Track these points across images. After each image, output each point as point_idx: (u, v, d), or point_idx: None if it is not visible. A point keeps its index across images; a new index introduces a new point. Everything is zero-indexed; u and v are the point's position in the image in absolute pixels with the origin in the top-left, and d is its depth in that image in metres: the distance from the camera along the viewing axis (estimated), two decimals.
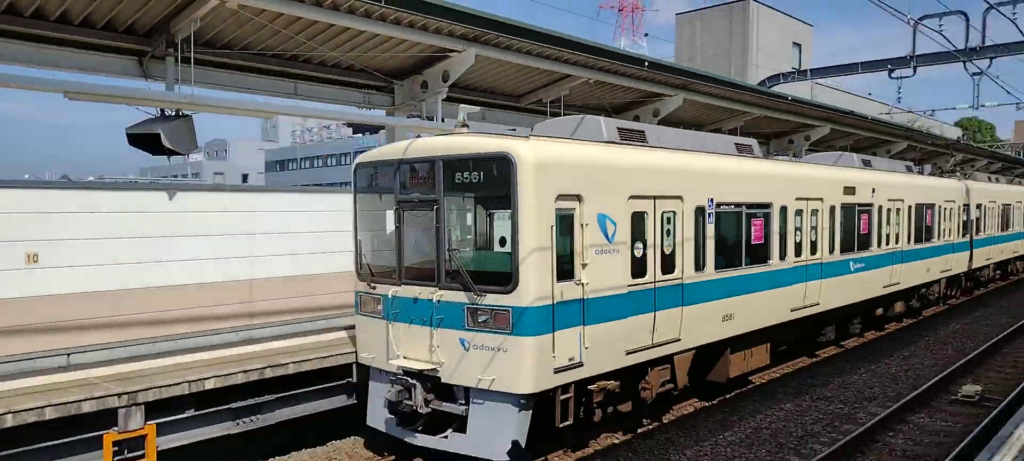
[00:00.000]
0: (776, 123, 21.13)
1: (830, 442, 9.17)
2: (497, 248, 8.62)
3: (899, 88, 20.97)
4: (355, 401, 9.51)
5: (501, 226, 8.39)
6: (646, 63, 13.70)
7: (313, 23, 10.51)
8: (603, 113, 18.00)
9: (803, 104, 19.97)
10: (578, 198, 7.87)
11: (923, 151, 31.92)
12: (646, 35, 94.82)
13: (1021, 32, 17.47)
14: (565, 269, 7.71)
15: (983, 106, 21.49)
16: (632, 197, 8.59)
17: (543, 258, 7.39)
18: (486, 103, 15.46)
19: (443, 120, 13.15)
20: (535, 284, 7.33)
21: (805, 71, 24.01)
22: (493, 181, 7.59)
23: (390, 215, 8.72)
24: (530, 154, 7.40)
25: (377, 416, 8.68)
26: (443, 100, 12.60)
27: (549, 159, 7.68)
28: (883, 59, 21.34)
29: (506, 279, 7.45)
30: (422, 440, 8.04)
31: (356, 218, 9.19)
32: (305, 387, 9.11)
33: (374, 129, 30.69)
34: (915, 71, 20.49)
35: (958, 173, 26.82)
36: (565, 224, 7.75)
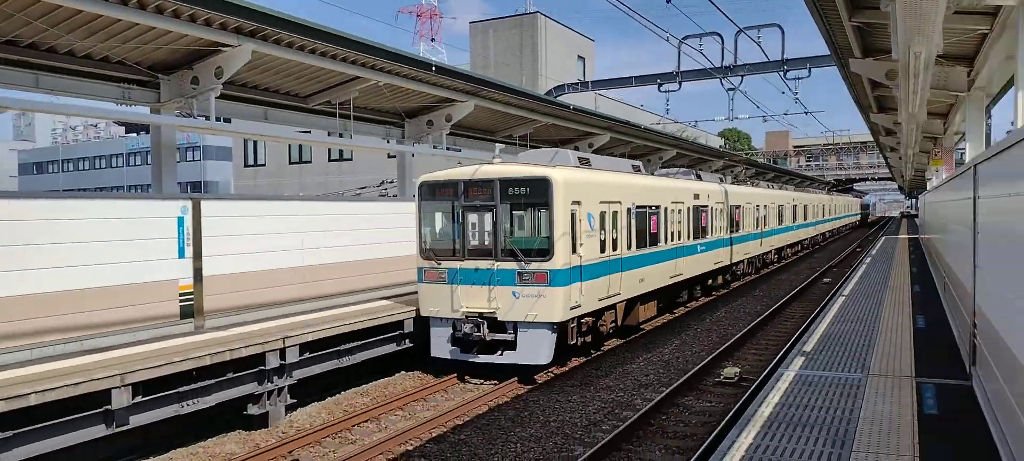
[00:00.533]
0: (562, 130, 22.32)
1: (611, 429, 9.67)
2: (537, 234, 12.09)
3: (668, 100, 23.23)
4: (406, 346, 12.69)
5: (539, 220, 11.96)
6: (433, 68, 13.68)
7: (56, 8, 9.14)
8: (396, 117, 17.82)
9: (586, 114, 21.27)
10: (578, 203, 11.92)
11: (690, 158, 35.69)
12: (433, 40, 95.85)
13: (764, 54, 20.03)
14: (574, 247, 11.74)
15: (737, 118, 24.30)
16: (601, 201, 12.92)
17: (566, 239, 11.47)
18: (269, 103, 14.55)
19: (220, 120, 12.74)
20: (563, 255, 11.38)
21: (588, 83, 25.71)
22: (536, 193, 11.57)
23: (440, 217, 12.66)
24: (560, 176, 11.52)
25: (441, 348, 12.19)
26: (217, 97, 11.92)
27: (567, 179, 11.71)
28: (654, 74, 23.50)
29: (545, 253, 11.40)
30: (483, 359, 11.76)
31: (420, 219, 12.52)
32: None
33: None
34: (680, 85, 22.76)
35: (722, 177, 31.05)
36: (573, 218, 11.74)
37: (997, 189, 5.75)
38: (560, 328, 11.68)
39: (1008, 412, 5.20)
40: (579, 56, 40.90)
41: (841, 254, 37.35)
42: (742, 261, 25.21)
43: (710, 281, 21.87)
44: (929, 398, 6.80)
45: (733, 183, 27.81)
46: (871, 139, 35.56)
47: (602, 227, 12.89)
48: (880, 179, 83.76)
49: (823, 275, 28.12)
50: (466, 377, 12.37)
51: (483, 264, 11.80)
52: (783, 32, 20.44)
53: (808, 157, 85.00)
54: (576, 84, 26.20)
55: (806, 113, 24.95)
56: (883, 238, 40.53)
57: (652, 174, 21.31)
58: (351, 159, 34.05)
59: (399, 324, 12.59)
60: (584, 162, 14.06)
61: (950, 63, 11.59)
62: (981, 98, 11.92)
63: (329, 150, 33.72)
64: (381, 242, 15.05)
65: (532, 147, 21.84)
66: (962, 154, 20.93)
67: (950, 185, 10.23)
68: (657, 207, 16.05)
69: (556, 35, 38.83)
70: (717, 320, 18.61)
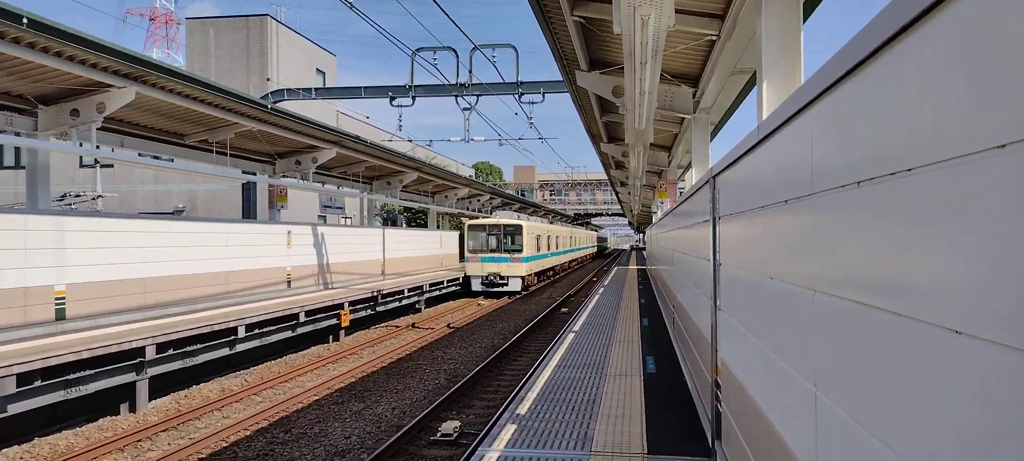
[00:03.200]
0: (278, 140, 19.12)
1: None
2: (515, 243, 30.67)
3: (400, 116, 21.22)
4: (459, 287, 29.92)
5: (518, 238, 30.78)
6: (25, 21, 9.79)
7: None
8: (24, 102, 13.77)
9: (309, 124, 18.33)
10: (529, 232, 31.66)
11: (435, 185, 34.10)
12: (168, 50, 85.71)
13: (499, 74, 18.78)
14: (531, 247, 31.59)
15: (473, 139, 22.97)
16: (535, 234, 33.16)
17: (531, 244, 31.69)
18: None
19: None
20: (528, 251, 31.10)
21: (310, 89, 22.70)
22: (516, 229, 30.96)
23: (478, 236, 31.90)
24: (525, 222, 32.31)
25: (477, 287, 30.37)
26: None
27: (527, 224, 32.24)
28: (385, 86, 21.26)
29: (519, 250, 30.63)
30: (495, 290, 30.26)
31: (467, 238, 31.67)
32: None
33: None
34: (414, 101, 20.80)
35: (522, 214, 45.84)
36: (529, 237, 31.15)
37: (746, 201, 4.16)
38: (523, 280, 30.16)
39: None
40: (319, 70, 37.46)
41: (578, 284, 38.34)
42: (556, 266, 43.54)
43: (553, 269, 42.06)
44: None
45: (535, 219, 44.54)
46: (606, 176, 37.52)
47: (536, 243, 32.10)
48: (613, 214, 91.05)
49: (562, 305, 27.99)
50: (484, 298, 30.04)
51: (494, 255, 29.67)
52: (517, 53, 19.55)
53: (552, 191, 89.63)
54: (296, 90, 23.04)
55: (541, 139, 24.61)
56: (616, 268, 42.65)
57: (479, 212, 40.96)
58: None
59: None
60: (532, 216, 41.28)
61: (676, 82, 10.87)
62: (705, 121, 11.45)
63: None
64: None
65: (232, 155, 18.66)
66: (682, 190, 21.60)
67: (679, 210, 9.18)
68: (541, 235, 35.84)
69: (291, 43, 35.12)
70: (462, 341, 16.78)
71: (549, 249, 37.38)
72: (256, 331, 15.75)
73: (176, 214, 34.14)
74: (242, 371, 15.63)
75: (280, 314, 16.53)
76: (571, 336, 12.72)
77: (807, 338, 2.77)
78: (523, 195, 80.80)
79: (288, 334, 17.07)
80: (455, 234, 38.24)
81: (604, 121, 15.65)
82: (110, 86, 12.68)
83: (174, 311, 15.40)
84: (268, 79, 32.69)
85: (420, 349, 18.24)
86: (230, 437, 10.74)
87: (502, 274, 29.52)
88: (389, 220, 53.21)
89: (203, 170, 17.54)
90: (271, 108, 15.57)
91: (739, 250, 4.39)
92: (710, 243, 5.45)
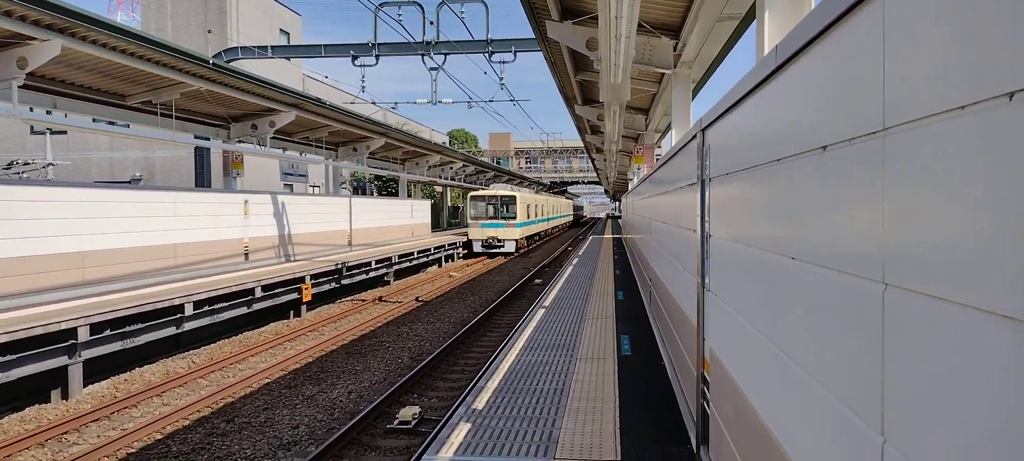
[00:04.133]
0: (235, 102, 17.84)
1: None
2: (510, 211, 35.39)
3: (363, 77, 19.94)
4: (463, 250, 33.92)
5: (512, 208, 35.32)
6: None
7: None
8: None
9: (265, 84, 17.07)
10: (522, 202, 36.82)
11: (404, 151, 32.86)
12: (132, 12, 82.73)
13: (468, 30, 17.65)
14: (523, 215, 37.05)
15: (441, 101, 21.77)
16: (525, 203, 37.76)
17: (523, 212, 36.96)
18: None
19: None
20: (520, 218, 35.98)
21: (266, 48, 21.31)
22: (511, 200, 35.37)
23: (479, 206, 35.52)
24: (518, 193, 37.16)
25: (478, 248, 34.63)
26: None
27: (520, 195, 37.44)
28: (347, 44, 19.96)
29: (514, 217, 35.25)
30: (493, 251, 34.61)
31: (472, 207, 35.03)
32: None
33: None
34: (378, 60, 19.56)
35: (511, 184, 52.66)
36: (521, 206, 36.29)
37: (748, 157, 3.26)
38: (516, 242, 34.86)
39: None
40: (282, 30, 35.75)
41: (554, 254, 37.56)
42: (542, 231, 49.00)
43: (539, 234, 46.78)
44: None
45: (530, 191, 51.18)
46: (582, 143, 36.85)
47: (527, 211, 37.13)
48: (590, 182, 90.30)
49: (536, 276, 27.16)
50: (486, 257, 34.53)
51: (494, 221, 33.81)
52: (487, 8, 18.32)
53: (527, 159, 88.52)
54: (251, 48, 21.63)
55: (513, 101, 23.44)
56: (591, 237, 41.95)
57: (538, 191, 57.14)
58: None
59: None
60: (528, 189, 51.11)
61: (656, 33, 9.89)
62: (686, 77, 10.50)
63: None
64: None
65: (179, 118, 17.41)
66: (660, 156, 20.71)
67: (657, 175, 8.25)
68: (530, 204, 39.92)
69: (252, 2, 33.40)
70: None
71: (536, 216, 43.72)
72: (206, 308, 14.69)
73: (132, 183, 32.62)
74: (191, 351, 14.59)
75: (233, 289, 15.45)
76: (541, 312, 11.85)
77: (838, 339, 1.92)
78: (498, 163, 79.62)
79: (243, 311, 16.02)
80: (427, 203, 37.13)
81: (578, 80, 14.66)
82: (31, 39, 11.40)
83: (114, 288, 14.28)
84: (230, 40, 31.08)
85: (385, 325, 17.30)
86: (166, 427, 9.76)
87: (499, 238, 34.85)
88: (359, 189, 52.01)
89: (150, 135, 16.30)
90: (217, 65, 14.32)
91: (737, 220, 3.48)
92: (697, 211, 4.55)
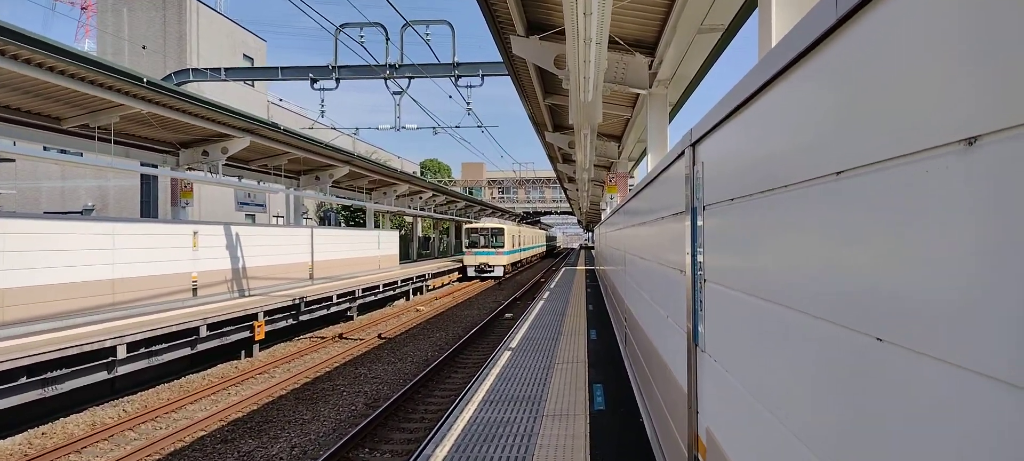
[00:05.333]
0: (182, 126, 16.70)
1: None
2: (499, 241, 41.55)
3: (322, 101, 18.90)
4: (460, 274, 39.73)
5: (500, 238, 41.37)
6: None
7: None
8: None
9: (211, 106, 15.98)
10: (509, 233, 43.32)
11: (371, 180, 31.78)
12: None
13: (434, 53, 16.77)
14: (509, 244, 43.30)
15: (404, 127, 20.79)
16: (511, 234, 44.36)
17: (509, 242, 43.07)
18: None
19: None
20: (507, 247, 42.31)
21: (219, 69, 20.21)
22: (499, 231, 41.53)
23: (473, 237, 41.61)
24: (505, 225, 43.09)
25: (472, 272, 40.75)
26: None
27: (507, 228, 43.25)
28: (306, 66, 18.96)
29: (502, 246, 41.37)
30: (484, 274, 40.86)
31: (466, 239, 41.53)
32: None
33: None
34: (338, 83, 18.57)
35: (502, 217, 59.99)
36: (507, 236, 42.57)
37: (760, 178, 2.34)
38: (504, 268, 41.13)
39: None
40: (246, 55, 34.64)
41: (525, 286, 36.59)
42: (523, 259, 54.73)
43: (519, 264, 51.52)
44: None
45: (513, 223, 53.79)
46: (554, 173, 36.20)
47: (512, 241, 43.42)
48: (562, 212, 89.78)
49: (507, 309, 26.12)
50: (479, 278, 41.02)
51: (486, 249, 40.12)
52: (453, 30, 17.48)
53: (500, 189, 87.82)
54: (204, 71, 20.51)
55: (480, 127, 22.48)
56: (564, 269, 41.12)
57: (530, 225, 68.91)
58: None
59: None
60: (511, 221, 51.84)
61: (630, 50, 9.08)
62: (663, 97, 9.69)
63: None
64: None
65: (122, 143, 16.32)
66: (634, 187, 19.94)
67: (631, 206, 7.31)
68: (514, 235, 45.41)
69: (214, 25, 32.28)
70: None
71: (519, 246, 50.67)
72: (143, 350, 13.42)
73: (84, 213, 31.04)
74: (125, 398, 13.27)
75: (173, 329, 14.19)
76: (507, 354, 10.82)
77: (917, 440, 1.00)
78: (471, 193, 78.76)
79: (187, 352, 14.75)
80: (395, 234, 36.00)
81: (548, 104, 13.84)
82: None
83: (37, 329, 12.95)
84: (189, 65, 29.91)
85: (342, 365, 16.10)
86: None
87: (490, 263, 41.37)
88: (325, 219, 50.64)
89: (91, 162, 15.06)
90: (156, 84, 13.23)
91: (746, 260, 2.54)
92: (685, 246, 3.62)
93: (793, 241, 1.96)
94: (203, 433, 10.93)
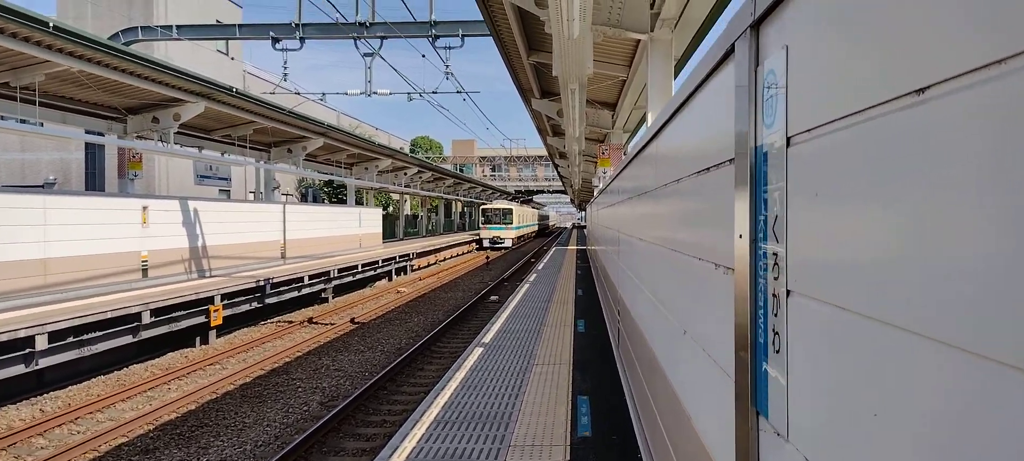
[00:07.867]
0: (127, 89, 14.92)
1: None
2: (509, 219, 52.55)
3: (285, 62, 17.19)
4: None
5: (510, 216, 52.53)
6: None
7: None
8: None
9: (158, 67, 14.21)
10: (515, 211, 54.30)
11: (350, 155, 30.03)
12: None
13: (409, 11, 15.02)
14: (517, 221, 54.77)
15: (376, 93, 19.08)
16: (517, 213, 55.41)
17: (516, 220, 54.53)
18: None
19: None
20: (515, 223, 53.75)
21: (170, 27, 18.38)
22: (508, 211, 53.11)
23: (489, 213, 52.55)
24: (514, 206, 55.40)
25: (487, 243, 50.89)
26: None
27: (516, 208, 55.15)
28: (266, 24, 17.18)
29: (511, 222, 52.66)
30: (496, 245, 51.18)
31: (484, 217, 52.57)
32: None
33: None
34: (303, 43, 16.82)
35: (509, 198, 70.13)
36: (517, 216, 54.88)
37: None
38: (512, 240, 52.26)
39: None
40: (219, 21, 32.61)
41: (516, 265, 35.06)
42: (524, 234, 63.08)
43: (521, 238, 59.82)
44: None
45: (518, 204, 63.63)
46: (545, 149, 33.91)
47: (518, 218, 54.77)
48: (555, 191, 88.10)
49: (493, 291, 24.58)
50: (491, 251, 48.34)
51: (499, 224, 51.57)
52: None
53: (492, 166, 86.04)
54: (154, 29, 18.67)
55: (460, 93, 20.71)
56: (555, 248, 39.60)
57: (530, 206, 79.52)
58: None
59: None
60: (521, 203, 72.47)
61: None
62: (667, 43, 8.03)
63: None
64: None
65: (51, 106, 14.61)
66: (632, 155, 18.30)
67: (635, 166, 5.64)
68: (520, 214, 56.84)
69: None
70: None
71: (523, 222, 60.28)
72: (71, 340, 11.79)
73: (45, 187, 29.19)
74: (50, 393, 11.66)
75: (109, 316, 12.55)
76: (479, 351, 9.23)
77: None
78: (461, 170, 76.96)
79: (127, 340, 13.13)
80: (377, 211, 34.32)
81: (533, 63, 12.17)
82: None
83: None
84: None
85: (305, 355, 14.53)
86: None
87: (501, 237, 50.85)
88: (306, 196, 48.80)
89: (28, 129, 13.33)
90: (75, 34, 11.46)
91: (898, 257, 0.88)
92: (735, 223, 2.00)
93: None
94: (124, 439, 9.34)
